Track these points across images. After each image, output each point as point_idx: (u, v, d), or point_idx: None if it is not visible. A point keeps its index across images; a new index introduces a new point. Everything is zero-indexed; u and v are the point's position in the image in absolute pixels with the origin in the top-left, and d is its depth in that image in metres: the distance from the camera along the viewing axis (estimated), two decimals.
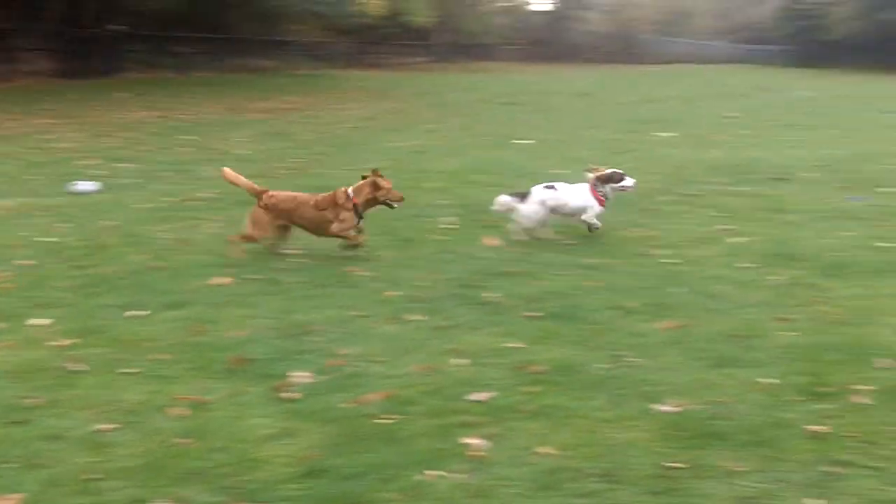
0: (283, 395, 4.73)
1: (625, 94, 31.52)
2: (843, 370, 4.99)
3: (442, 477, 3.87)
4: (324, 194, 7.71)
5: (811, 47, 62.98)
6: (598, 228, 8.47)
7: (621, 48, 66.31)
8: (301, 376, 4.96)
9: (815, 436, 4.22)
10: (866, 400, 4.61)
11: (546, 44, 64.41)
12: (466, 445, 4.14)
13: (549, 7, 69.59)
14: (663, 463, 3.97)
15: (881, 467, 3.94)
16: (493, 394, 4.72)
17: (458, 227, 8.99)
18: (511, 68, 51.06)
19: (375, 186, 7.58)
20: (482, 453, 4.08)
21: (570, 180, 8.74)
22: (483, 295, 6.51)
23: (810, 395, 4.69)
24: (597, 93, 32.07)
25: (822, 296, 6.55)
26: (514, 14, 65.93)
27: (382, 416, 4.44)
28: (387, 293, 6.58)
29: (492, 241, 8.25)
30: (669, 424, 4.35)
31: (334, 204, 7.58)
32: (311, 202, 7.64)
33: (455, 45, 56.14)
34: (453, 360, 5.20)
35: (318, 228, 7.66)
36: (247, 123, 20.31)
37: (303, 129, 19.18)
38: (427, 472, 3.90)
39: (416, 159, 14.23)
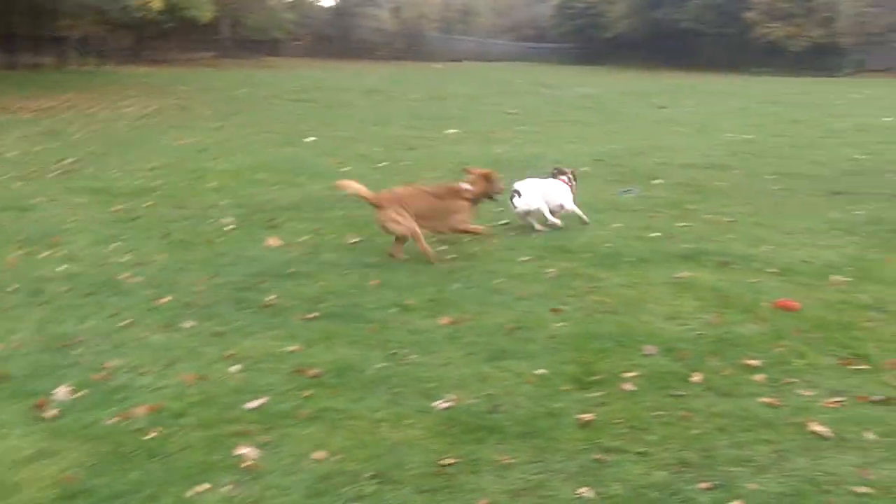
0: (43, 413, 4.45)
1: (413, 91, 31.81)
2: (612, 358, 5.18)
3: (212, 491, 3.72)
4: (440, 186, 8.01)
5: (590, 45, 65.79)
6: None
7: (409, 45, 66.97)
8: (63, 392, 4.67)
9: (585, 424, 4.35)
10: (632, 387, 4.79)
11: (335, 40, 64.23)
12: (239, 456, 4.01)
13: (334, 3, 69.37)
14: (438, 460, 3.98)
15: (647, 452, 4.09)
16: (268, 400, 4.60)
17: (238, 227, 8.76)
18: (300, 64, 50.59)
19: (488, 179, 7.85)
20: (255, 463, 3.96)
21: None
22: (262, 298, 6.37)
23: (580, 384, 4.83)
24: (386, 89, 32.21)
25: (595, 286, 6.78)
26: (302, 9, 65.26)
27: (150, 431, 4.24)
28: (159, 300, 6.32)
29: (274, 241, 8.10)
30: (445, 420, 4.37)
31: (455, 195, 7.75)
32: (432, 193, 7.72)
33: (242, 40, 55.06)
34: (228, 368, 5.04)
35: (442, 220, 7.67)
36: (17, 123, 19.11)
37: (78, 128, 18.24)
38: (196, 487, 3.75)
39: (198, 158, 13.82)
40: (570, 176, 9.33)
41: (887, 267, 7.43)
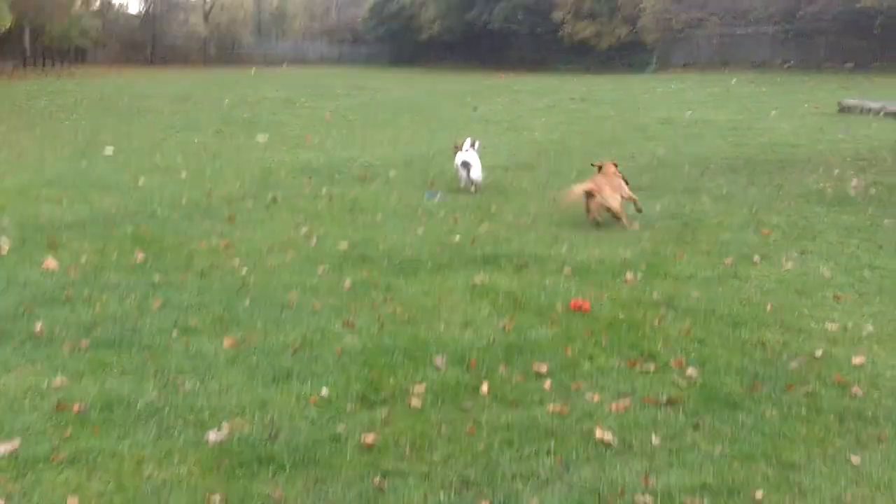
0: None
1: (224, 96, 30.98)
2: (401, 372, 5.01)
3: None
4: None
5: (405, 47, 66.12)
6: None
7: (222, 50, 65.62)
8: None
9: (368, 447, 4.14)
10: (420, 402, 4.62)
11: (144, 46, 62.21)
12: None
13: (143, 9, 67.16)
14: (205, 500, 3.68)
15: (429, 473, 3.92)
16: (22, 443, 4.18)
17: (14, 249, 8.12)
18: (106, 72, 48.61)
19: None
20: None
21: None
22: (29, 327, 5.85)
23: (367, 403, 4.64)
24: (196, 96, 31.24)
25: (392, 295, 6.61)
26: (108, 16, 62.84)
27: None
28: None
29: (52, 263, 7.54)
30: (218, 454, 4.08)
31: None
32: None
33: (45, 49, 52.44)
34: None
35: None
36: None
37: None
38: None
39: None
40: (476, 143, 11.97)
41: (679, 262, 7.59)
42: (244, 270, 7.35)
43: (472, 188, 11.39)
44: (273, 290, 6.78)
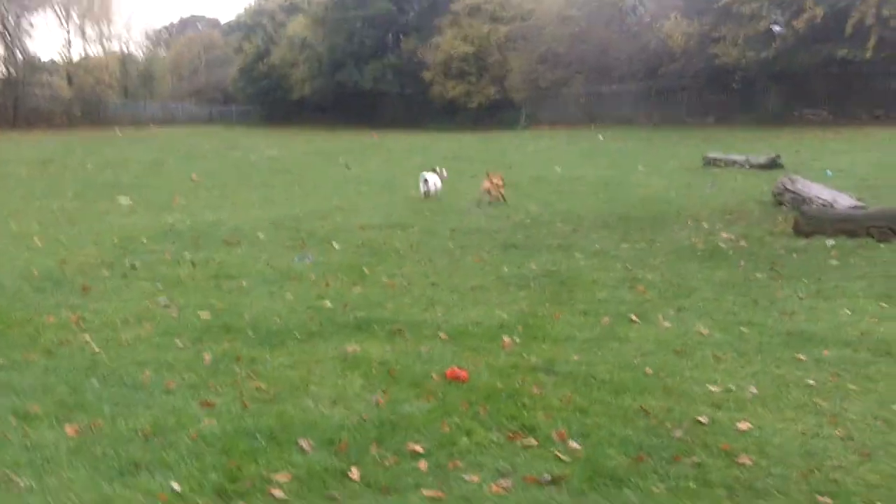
0: None
1: (88, 159, 29.88)
2: (262, 459, 4.56)
3: None
4: None
5: (277, 107, 65.66)
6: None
7: (87, 112, 63.77)
8: None
9: None
10: (282, 493, 4.19)
11: (6, 109, 59.93)
12: None
13: (4, 70, 64.80)
14: None
15: None
16: None
17: None
18: None
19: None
20: None
21: None
22: None
23: (223, 496, 4.17)
24: (59, 159, 30.05)
25: (256, 369, 6.14)
26: None
27: None
28: None
29: None
30: None
31: None
32: None
33: None
34: None
35: None
36: None
37: None
38: None
39: None
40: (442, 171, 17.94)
41: (556, 323, 7.37)
42: (95, 347, 6.77)
43: (432, 194, 16.76)
44: (125, 368, 6.22)
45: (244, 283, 9.26)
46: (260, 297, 8.56)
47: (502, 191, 16.16)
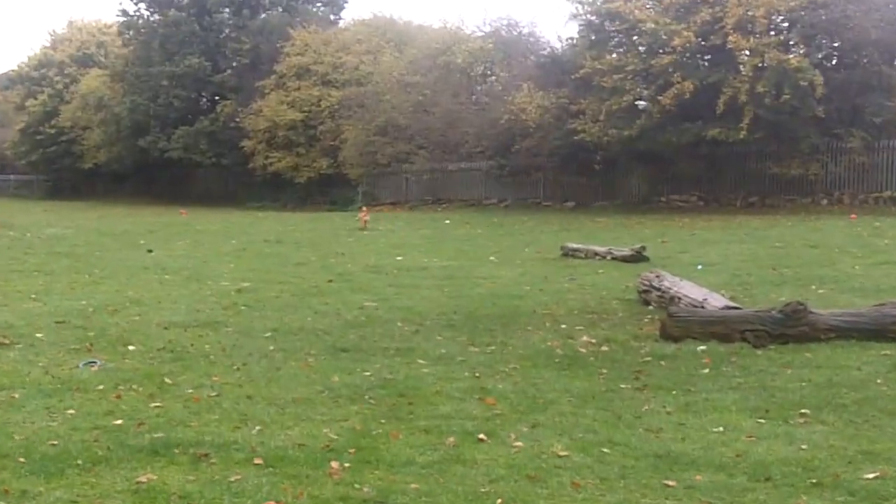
0: None
1: None
2: None
3: None
4: None
5: (66, 176, 64.21)
6: None
7: None
8: None
9: None
10: None
11: None
12: None
13: None
14: None
15: None
16: None
17: None
18: None
19: None
20: None
21: None
22: None
23: None
24: None
25: None
26: None
27: None
28: None
29: None
30: None
31: None
32: None
33: None
34: None
35: None
36: None
37: None
38: None
39: None
40: None
41: (394, 444, 7.34)
42: None
43: None
44: None
45: (15, 396, 8.90)
46: (35, 413, 8.23)
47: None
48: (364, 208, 35.99)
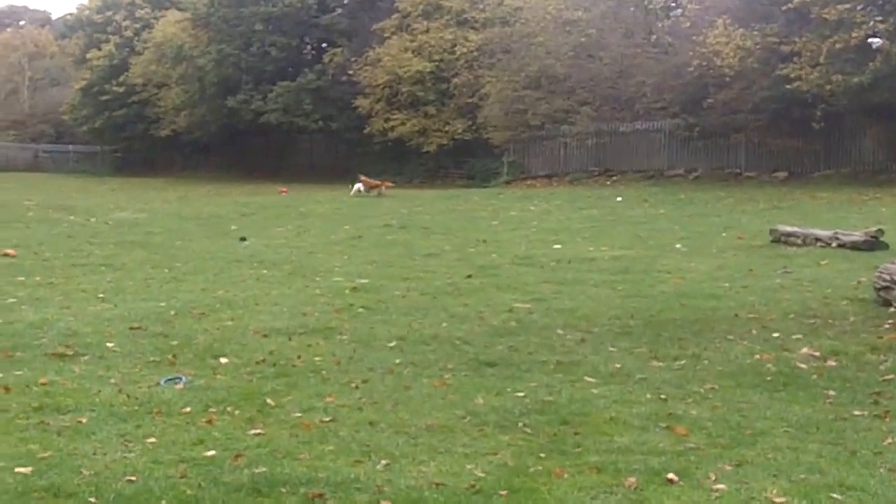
0: None
1: None
2: None
3: None
4: None
5: (136, 147, 65.91)
6: None
7: None
8: None
9: None
10: None
11: None
12: None
13: None
14: None
15: None
16: None
17: None
18: None
19: None
20: None
21: None
22: None
23: None
24: None
25: None
26: None
27: None
28: None
29: None
30: None
31: None
32: None
33: None
34: None
35: None
36: None
37: None
38: None
39: None
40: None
41: (557, 484, 7.35)
42: None
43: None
44: None
45: (83, 420, 9.18)
46: (107, 443, 8.48)
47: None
48: (363, 177, 40.22)
